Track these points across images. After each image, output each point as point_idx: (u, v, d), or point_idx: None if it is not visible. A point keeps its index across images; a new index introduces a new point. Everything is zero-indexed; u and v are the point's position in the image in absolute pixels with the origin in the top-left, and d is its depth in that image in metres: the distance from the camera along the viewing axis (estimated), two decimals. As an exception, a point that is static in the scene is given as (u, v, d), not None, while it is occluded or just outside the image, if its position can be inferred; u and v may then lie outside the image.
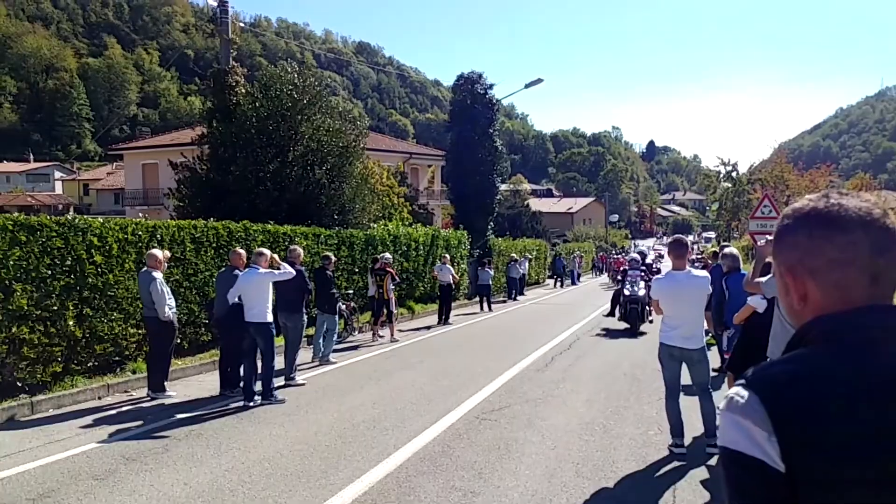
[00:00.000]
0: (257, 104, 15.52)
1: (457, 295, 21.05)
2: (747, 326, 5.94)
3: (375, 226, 18.11)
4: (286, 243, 12.77)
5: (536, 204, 70.98)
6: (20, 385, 7.86)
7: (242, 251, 8.96)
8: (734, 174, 43.15)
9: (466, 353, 11.99)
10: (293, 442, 6.36)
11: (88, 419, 7.39)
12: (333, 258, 11.99)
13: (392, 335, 13.58)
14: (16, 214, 8.62)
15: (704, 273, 6.30)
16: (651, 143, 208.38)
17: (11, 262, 7.77)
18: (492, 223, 28.01)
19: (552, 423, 7.01)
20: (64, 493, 5.03)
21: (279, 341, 9.73)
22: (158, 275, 8.35)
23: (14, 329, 7.78)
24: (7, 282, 7.73)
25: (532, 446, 6.18)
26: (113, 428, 6.94)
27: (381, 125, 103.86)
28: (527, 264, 29.00)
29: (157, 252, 8.61)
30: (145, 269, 8.47)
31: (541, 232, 51.88)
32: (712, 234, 61.72)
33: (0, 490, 5.14)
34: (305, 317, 9.87)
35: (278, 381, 8.95)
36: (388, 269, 13.63)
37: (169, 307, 8.37)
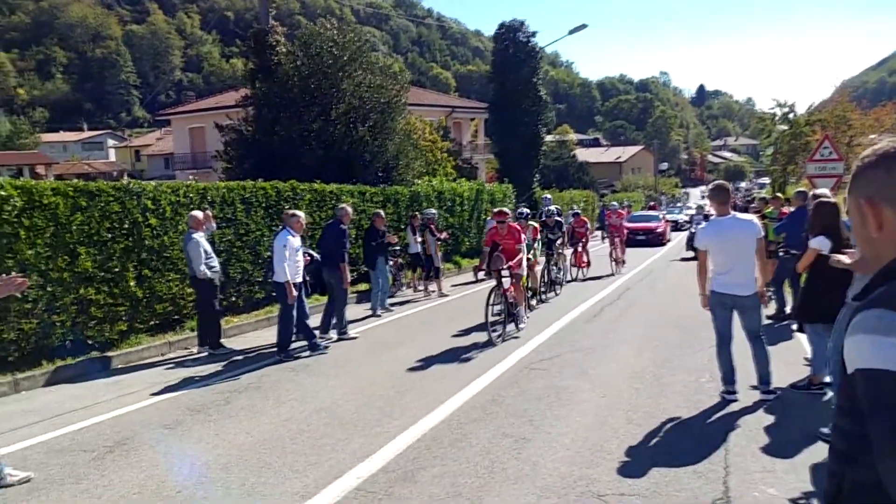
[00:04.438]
0: (298, 63, 15.54)
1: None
2: (814, 271, 5.78)
3: (420, 182, 18.12)
4: (333, 202, 12.92)
5: (583, 154, 69.60)
6: (90, 343, 8.29)
7: (198, 213, 8.92)
8: (791, 116, 41.31)
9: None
10: (348, 392, 6.56)
11: (154, 373, 7.77)
12: (383, 213, 12.12)
13: (440, 290, 13.71)
14: (75, 181, 8.93)
15: (751, 217, 6.13)
16: (701, 88, 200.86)
17: (74, 227, 8.11)
18: (537, 175, 27.70)
19: (602, 371, 7.04)
20: (138, 441, 5.35)
21: (323, 298, 9.91)
22: (197, 235, 8.56)
23: (81, 290, 8.17)
24: (72, 245, 8.08)
25: (582, 394, 6.23)
26: (177, 382, 7.28)
27: (423, 79, 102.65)
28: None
29: (198, 213, 8.83)
30: (188, 230, 8.71)
31: (588, 183, 51.01)
32: (767, 180, 59.25)
33: (81, 437, 5.50)
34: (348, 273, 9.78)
35: (331, 335, 9.25)
36: (429, 224, 13.70)
37: (207, 266, 8.57)
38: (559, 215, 14.50)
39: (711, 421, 5.44)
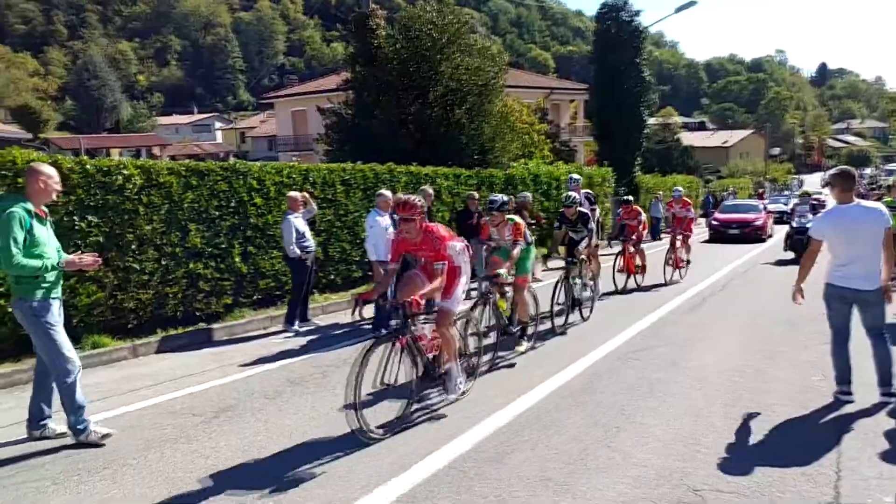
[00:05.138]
0: (398, 46, 15.74)
1: (602, 234, 20.54)
2: None
3: (515, 165, 17.97)
4: (429, 184, 13.03)
5: (688, 138, 66.78)
6: (198, 315, 8.81)
7: (294, 194, 9.14)
8: (926, 96, 37.65)
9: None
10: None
11: (256, 346, 8.16)
12: (476, 195, 12.10)
13: (534, 274, 13.55)
14: (187, 161, 9.47)
15: (878, 205, 5.65)
16: (822, 66, 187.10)
17: (186, 205, 8.62)
18: (639, 159, 26.83)
19: (699, 364, 6.75)
20: (241, 408, 5.64)
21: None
22: (293, 215, 8.81)
23: (191, 265, 8.68)
24: (183, 222, 8.59)
25: (677, 386, 6.00)
26: (278, 355, 7.61)
27: (521, 60, 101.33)
28: None
29: (294, 194, 9.10)
30: (287, 210, 9.01)
31: (692, 167, 48.97)
32: None
33: (191, 402, 5.88)
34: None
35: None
36: (523, 208, 13.54)
37: (299, 246, 8.78)
38: (593, 203, 10.85)
39: (823, 422, 5.09)
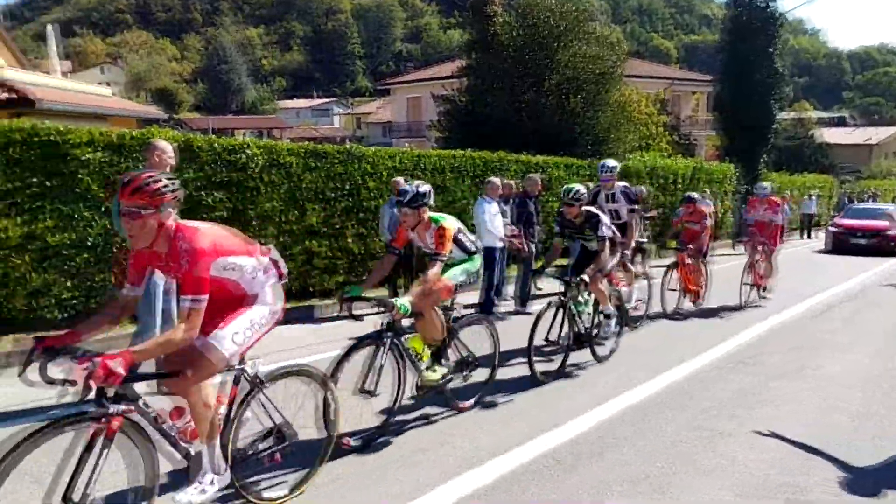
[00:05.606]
0: (515, 33, 15.64)
1: (720, 234, 19.49)
2: None
3: (631, 156, 17.40)
4: (540, 174, 12.88)
5: (825, 134, 61.74)
6: (312, 290, 9.22)
7: (398, 179, 9.23)
8: None
9: (729, 293, 10.28)
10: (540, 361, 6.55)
11: (367, 323, 8.39)
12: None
13: (644, 270, 13.08)
14: (306, 143, 9.88)
15: None
16: None
17: (304, 185, 9.01)
18: (766, 156, 25.21)
19: (824, 373, 6.27)
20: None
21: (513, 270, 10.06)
22: (394, 202, 9.00)
23: (307, 243, 9.08)
24: (301, 202, 8.99)
25: (797, 394, 5.61)
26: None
27: (642, 49, 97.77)
28: (814, 203, 25.47)
29: (401, 179, 9.26)
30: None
31: (828, 167, 45.32)
32: None
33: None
34: (532, 245, 9.66)
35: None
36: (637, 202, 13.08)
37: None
38: (633, 201, 8.09)
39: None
